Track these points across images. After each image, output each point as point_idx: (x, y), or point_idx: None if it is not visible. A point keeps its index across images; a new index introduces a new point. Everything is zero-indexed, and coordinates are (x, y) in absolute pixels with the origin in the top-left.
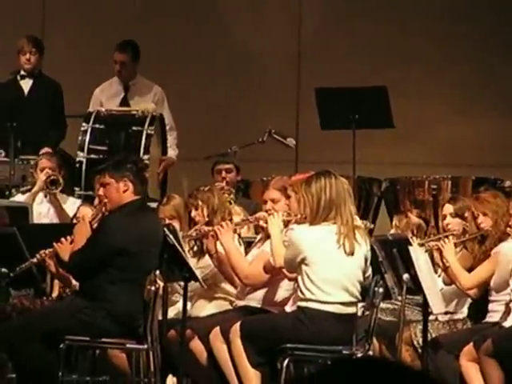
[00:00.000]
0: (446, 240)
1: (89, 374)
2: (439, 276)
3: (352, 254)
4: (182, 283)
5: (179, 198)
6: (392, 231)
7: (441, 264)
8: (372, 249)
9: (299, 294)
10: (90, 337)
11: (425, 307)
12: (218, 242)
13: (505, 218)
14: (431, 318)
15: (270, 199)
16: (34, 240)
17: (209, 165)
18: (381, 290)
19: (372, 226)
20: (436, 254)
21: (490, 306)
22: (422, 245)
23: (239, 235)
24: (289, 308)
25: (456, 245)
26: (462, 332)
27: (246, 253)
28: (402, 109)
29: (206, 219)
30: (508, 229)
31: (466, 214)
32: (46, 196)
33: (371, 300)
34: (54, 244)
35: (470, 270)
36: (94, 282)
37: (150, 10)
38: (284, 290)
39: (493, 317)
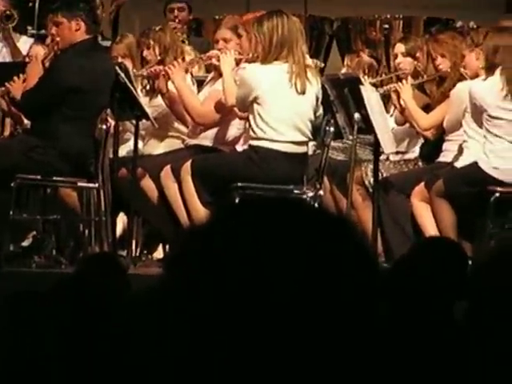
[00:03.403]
0: (404, 81)
1: (39, 213)
2: (391, 116)
3: (303, 93)
4: (134, 121)
5: (132, 37)
6: (343, 70)
7: (398, 106)
8: (323, 88)
9: (251, 132)
10: (41, 175)
11: (376, 147)
12: (169, 82)
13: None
14: (382, 157)
15: (221, 38)
16: None
17: (161, 4)
18: (332, 129)
19: (322, 64)
20: (393, 96)
21: (445, 146)
22: (373, 84)
23: (191, 74)
24: (240, 147)
25: (412, 87)
26: (413, 172)
27: (198, 91)
28: None
29: (159, 58)
30: (462, 69)
31: (418, 54)
32: None
33: (322, 139)
34: (6, 83)
35: (422, 110)
36: (46, 120)
37: None
38: (235, 128)
39: (446, 156)
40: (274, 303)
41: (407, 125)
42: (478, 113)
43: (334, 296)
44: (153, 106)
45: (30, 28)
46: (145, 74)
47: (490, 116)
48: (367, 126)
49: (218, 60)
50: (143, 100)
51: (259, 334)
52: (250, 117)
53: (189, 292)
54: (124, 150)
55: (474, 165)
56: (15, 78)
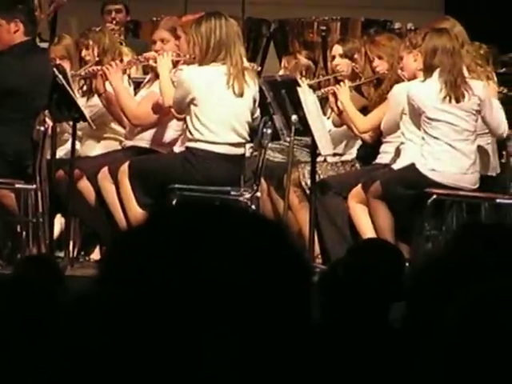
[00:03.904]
0: (342, 83)
1: None
2: (328, 118)
3: (241, 95)
4: (72, 123)
5: (70, 39)
6: (281, 72)
7: (335, 108)
8: (260, 90)
9: (188, 134)
10: None
11: (313, 148)
12: (107, 82)
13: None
14: (319, 159)
15: (159, 39)
16: None
17: (98, 5)
18: (269, 131)
19: (259, 68)
20: (331, 98)
21: (382, 147)
22: (311, 86)
23: (129, 76)
24: (177, 148)
25: (350, 88)
26: (350, 173)
27: (135, 93)
28: None
29: (97, 59)
30: (400, 71)
31: (356, 56)
32: None
33: (259, 141)
34: None
35: (360, 111)
36: None
37: None
38: (173, 130)
39: (383, 158)
40: (208, 306)
41: (345, 127)
42: (416, 115)
43: (266, 299)
44: (90, 105)
45: None
46: (82, 74)
47: (428, 118)
48: (304, 128)
49: (156, 61)
50: (81, 101)
51: (192, 335)
52: (187, 118)
53: (124, 293)
54: (62, 151)
55: (412, 167)
56: None
